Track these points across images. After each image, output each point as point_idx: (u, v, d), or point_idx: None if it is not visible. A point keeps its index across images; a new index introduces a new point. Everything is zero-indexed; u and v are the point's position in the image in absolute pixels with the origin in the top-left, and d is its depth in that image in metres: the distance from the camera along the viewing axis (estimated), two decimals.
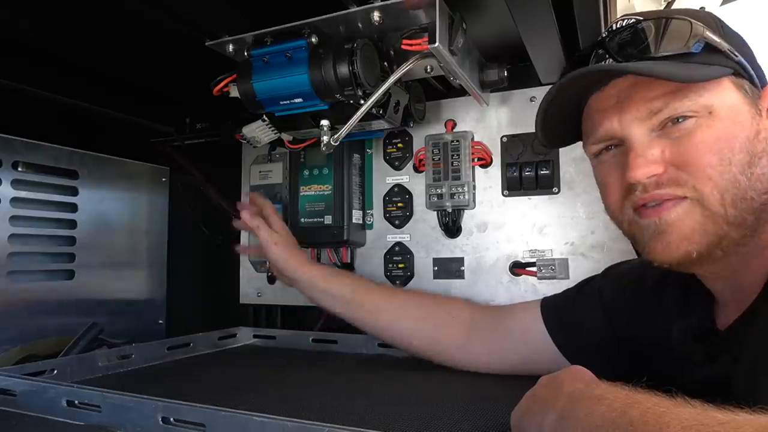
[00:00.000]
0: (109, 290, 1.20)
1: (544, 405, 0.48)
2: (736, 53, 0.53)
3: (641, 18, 0.56)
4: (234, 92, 0.90)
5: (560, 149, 1.02)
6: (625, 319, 0.72)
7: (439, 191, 1.08)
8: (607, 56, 0.57)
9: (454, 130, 1.10)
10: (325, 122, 0.84)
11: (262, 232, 0.93)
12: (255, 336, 1.14)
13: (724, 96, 0.53)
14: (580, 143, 0.65)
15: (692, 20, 0.53)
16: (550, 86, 0.60)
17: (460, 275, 1.09)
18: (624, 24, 0.57)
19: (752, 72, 0.54)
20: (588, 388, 0.46)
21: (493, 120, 1.08)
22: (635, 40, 0.55)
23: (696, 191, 0.52)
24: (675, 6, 1.19)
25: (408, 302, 0.89)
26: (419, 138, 1.13)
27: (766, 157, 0.53)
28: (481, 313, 0.87)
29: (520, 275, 1.04)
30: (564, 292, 0.83)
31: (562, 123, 0.64)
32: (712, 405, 0.37)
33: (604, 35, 0.59)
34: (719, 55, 0.53)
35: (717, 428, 0.34)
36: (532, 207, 1.04)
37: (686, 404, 0.38)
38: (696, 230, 0.52)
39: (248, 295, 1.28)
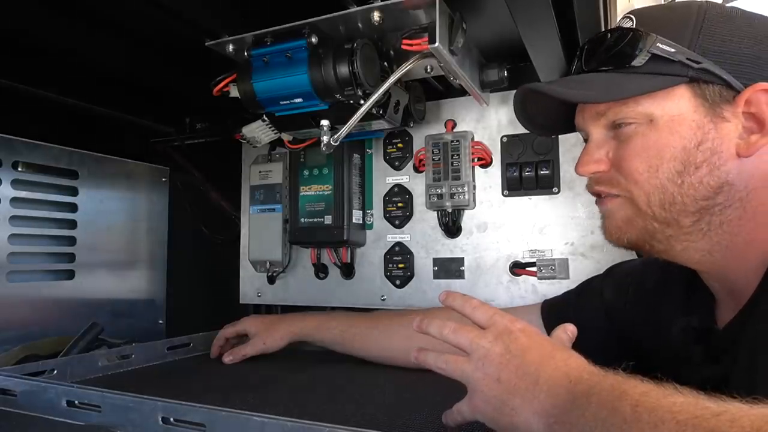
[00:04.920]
0: (109, 290, 1.19)
1: (522, 402, 0.47)
2: (700, 60, 0.52)
3: (609, 29, 0.59)
4: (234, 92, 0.90)
5: (560, 149, 1.02)
6: (626, 318, 0.72)
7: (439, 191, 1.08)
8: (581, 63, 0.61)
9: (454, 130, 1.10)
10: (325, 122, 0.84)
11: (248, 351, 0.96)
12: None
13: (669, 105, 0.55)
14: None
15: (643, 31, 0.55)
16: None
17: (460, 275, 1.09)
18: (595, 35, 0.61)
19: (727, 77, 0.52)
20: (570, 382, 0.45)
21: (493, 120, 1.08)
22: (592, 50, 0.60)
23: (626, 191, 0.58)
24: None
25: (392, 325, 0.92)
26: (419, 138, 1.13)
27: (707, 167, 0.54)
28: None
29: (520, 275, 1.04)
30: (565, 293, 0.83)
31: (556, 115, 0.66)
32: (704, 395, 0.37)
33: (583, 43, 0.62)
34: (672, 64, 0.54)
35: (712, 421, 0.34)
36: (532, 207, 1.04)
37: (676, 392, 0.38)
38: (626, 222, 0.59)
39: (248, 295, 1.28)
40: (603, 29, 0.85)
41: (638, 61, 0.55)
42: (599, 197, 0.62)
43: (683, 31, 0.54)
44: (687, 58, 0.53)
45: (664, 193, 0.55)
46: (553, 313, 0.79)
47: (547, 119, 0.67)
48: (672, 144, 0.54)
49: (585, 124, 0.62)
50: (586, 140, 0.63)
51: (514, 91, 1.03)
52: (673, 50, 0.53)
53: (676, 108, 0.55)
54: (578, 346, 0.70)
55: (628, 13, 0.59)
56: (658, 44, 0.54)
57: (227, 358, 0.95)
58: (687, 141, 0.54)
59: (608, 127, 0.59)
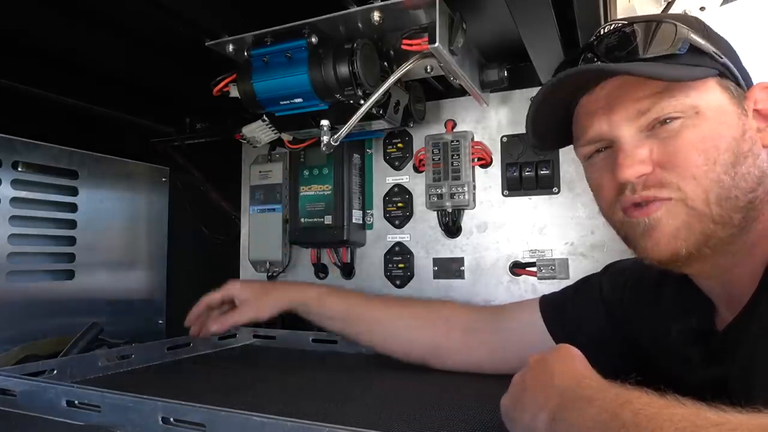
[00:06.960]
0: (109, 290, 1.19)
1: (534, 400, 0.49)
2: (721, 55, 0.54)
3: (628, 22, 0.57)
4: (234, 92, 0.90)
5: (560, 149, 1.02)
6: (624, 316, 0.72)
7: (439, 191, 1.08)
8: (595, 59, 0.58)
9: (454, 130, 1.10)
10: (325, 122, 0.84)
11: (237, 319, 0.90)
12: (255, 336, 1.14)
13: (710, 96, 0.54)
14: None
15: (677, 23, 0.54)
16: (539, 88, 0.61)
17: (460, 275, 1.09)
18: (611, 28, 0.58)
19: (737, 73, 0.55)
20: (579, 387, 0.46)
21: (493, 120, 1.08)
22: (623, 43, 0.56)
23: (680, 191, 0.52)
24: (675, 6, 1.20)
25: (402, 313, 0.89)
26: (419, 138, 1.13)
27: (752, 157, 0.53)
28: (477, 314, 0.87)
29: (520, 275, 1.04)
30: (562, 289, 0.83)
31: (553, 126, 0.64)
32: (706, 405, 0.37)
33: (592, 39, 0.60)
34: (704, 56, 0.54)
35: (711, 430, 0.34)
36: (532, 207, 1.05)
37: (678, 404, 0.38)
38: (682, 228, 0.53)
39: None
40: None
41: (681, 49, 0.53)
42: (642, 205, 0.54)
43: (698, 29, 0.55)
44: (714, 52, 0.53)
45: (722, 187, 0.52)
46: (551, 308, 0.79)
47: (553, 129, 0.64)
48: (723, 134, 0.53)
49: (614, 127, 0.55)
50: (598, 150, 0.59)
51: (514, 91, 1.05)
52: (704, 42, 0.53)
53: (716, 99, 0.54)
54: (577, 341, 0.71)
55: (621, 19, 0.58)
56: (692, 35, 0.53)
57: (214, 327, 0.88)
58: (734, 130, 0.53)
59: (645, 128, 0.54)
